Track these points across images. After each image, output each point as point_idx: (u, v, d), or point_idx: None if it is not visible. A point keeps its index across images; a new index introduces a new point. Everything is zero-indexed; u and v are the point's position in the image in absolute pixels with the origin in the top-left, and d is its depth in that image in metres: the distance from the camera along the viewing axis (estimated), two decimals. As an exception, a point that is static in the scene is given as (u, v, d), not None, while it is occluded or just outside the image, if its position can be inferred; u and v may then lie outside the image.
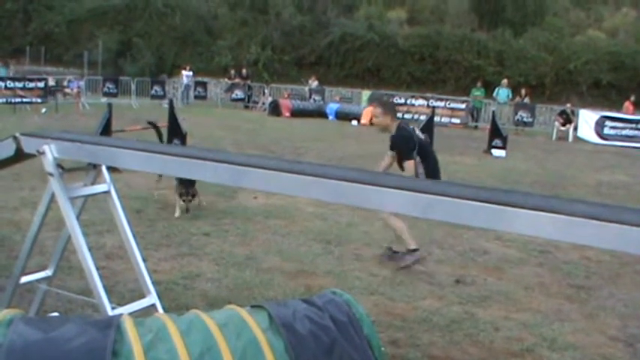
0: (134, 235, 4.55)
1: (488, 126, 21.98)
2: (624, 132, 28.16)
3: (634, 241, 2.91)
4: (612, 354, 5.50)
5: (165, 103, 26.95)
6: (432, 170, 7.52)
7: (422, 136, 7.80)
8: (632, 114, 29.47)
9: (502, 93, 30.98)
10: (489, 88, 32.17)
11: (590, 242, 3.09)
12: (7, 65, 33.10)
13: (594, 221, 2.96)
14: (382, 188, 3.16)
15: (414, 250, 7.62)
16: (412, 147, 7.39)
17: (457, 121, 29.93)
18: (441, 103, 30.15)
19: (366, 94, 33.63)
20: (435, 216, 3.22)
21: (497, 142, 19.98)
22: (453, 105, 30.45)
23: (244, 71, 36.23)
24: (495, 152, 19.63)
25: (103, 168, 4.43)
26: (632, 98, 30.98)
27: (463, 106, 30.49)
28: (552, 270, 7.91)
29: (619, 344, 5.72)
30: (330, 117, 29.82)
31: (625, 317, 6.42)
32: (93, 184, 4.48)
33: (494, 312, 6.29)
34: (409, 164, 7.33)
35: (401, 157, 7.47)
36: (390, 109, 7.81)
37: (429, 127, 19.38)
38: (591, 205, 3.45)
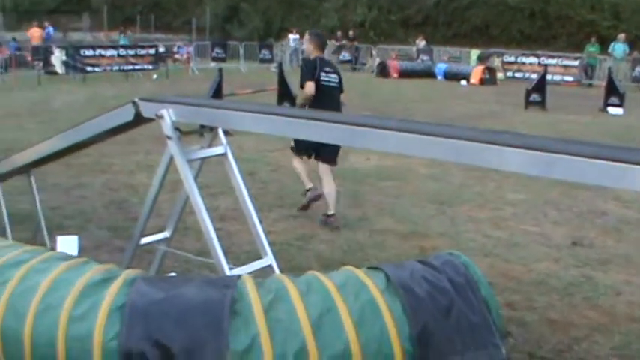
0: (250, 197, 4.58)
1: (604, 83, 21.22)
2: None
3: None
4: None
5: (273, 67, 27.20)
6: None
7: (332, 77, 7.70)
8: None
9: (618, 48, 29.74)
10: (604, 44, 30.92)
11: None
12: (126, 34, 33.93)
13: None
14: (501, 147, 3.08)
15: (308, 190, 7.68)
16: (311, 73, 7.48)
17: (570, 78, 28.97)
18: (553, 61, 29.20)
19: (474, 53, 32.97)
20: (556, 175, 3.12)
21: (613, 99, 19.28)
22: (565, 62, 29.48)
23: (351, 33, 36.12)
24: (612, 110, 18.94)
25: (219, 131, 4.48)
26: None
27: (576, 63, 29.49)
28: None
29: None
30: (439, 77, 29.42)
31: None
32: (210, 146, 4.53)
33: (614, 275, 6.09)
34: (307, 84, 7.44)
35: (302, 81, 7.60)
36: (315, 40, 7.91)
37: (541, 85, 19.02)
38: None
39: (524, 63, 29.70)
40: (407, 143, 3.36)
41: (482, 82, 26.80)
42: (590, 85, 27.91)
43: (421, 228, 7.27)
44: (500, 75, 28.74)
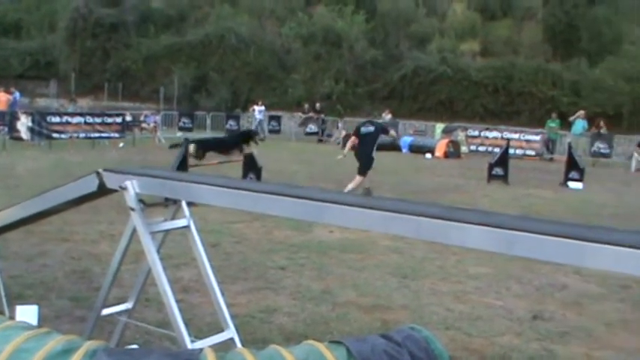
0: (213, 269, 4.59)
1: (564, 158, 21.62)
2: None
3: None
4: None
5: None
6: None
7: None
8: None
9: (578, 124, 30.49)
10: (565, 120, 31.68)
11: None
12: (75, 102, 33.69)
13: None
14: (463, 224, 3.14)
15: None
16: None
17: (532, 153, 29.58)
18: (516, 135, 29.83)
19: (439, 126, 33.52)
20: (517, 252, 3.18)
21: (573, 174, 19.65)
22: (527, 137, 30.13)
23: (318, 105, 36.50)
24: (572, 184, 19.28)
25: (183, 203, 4.50)
26: None
27: (538, 137, 30.13)
28: (635, 305, 7.72)
29: None
30: (404, 150, 29.74)
31: None
32: (173, 218, 4.54)
33: (575, 349, 6.15)
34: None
35: None
36: None
37: (503, 159, 19.31)
38: None
39: (487, 137, 30.24)
40: (368, 219, 3.41)
41: (447, 155, 27.21)
42: (551, 159, 28.44)
43: (384, 301, 7.29)
44: (464, 148, 29.21)
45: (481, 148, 29.38)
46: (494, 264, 8.94)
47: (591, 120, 31.75)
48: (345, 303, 7.15)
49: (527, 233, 3.10)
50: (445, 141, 28.54)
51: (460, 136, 30.64)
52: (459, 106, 39.34)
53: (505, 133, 29.87)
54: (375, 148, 15.39)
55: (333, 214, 3.57)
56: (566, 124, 31.35)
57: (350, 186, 14.58)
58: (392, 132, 17.12)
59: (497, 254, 8.01)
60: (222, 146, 19.00)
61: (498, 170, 19.01)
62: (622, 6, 42.85)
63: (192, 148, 16.26)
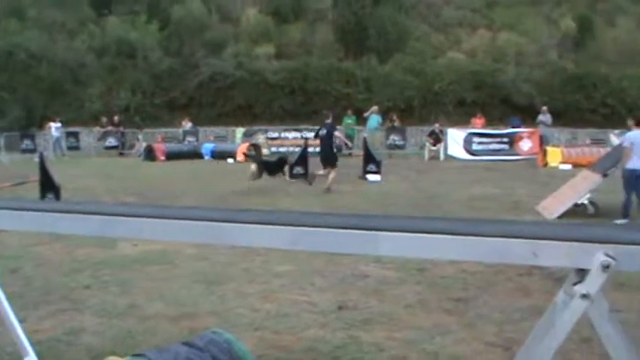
0: (7, 297, 4.44)
1: (362, 152, 22.41)
2: (491, 146, 29.41)
3: (490, 250, 3.09)
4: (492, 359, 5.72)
5: (36, 157, 26.35)
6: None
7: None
8: (482, 128, 31.09)
9: (373, 119, 31.70)
10: (360, 115, 32.88)
11: (450, 256, 3.25)
12: None
13: (452, 236, 3.12)
14: (245, 225, 3.23)
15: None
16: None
17: (332, 149, 30.35)
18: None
19: (240, 131, 33.75)
20: (303, 247, 3.31)
21: (371, 167, 20.43)
22: (327, 134, 30.85)
23: (116, 118, 35.78)
24: (370, 177, 20.03)
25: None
26: (479, 115, 33.54)
27: (336, 134, 30.91)
28: (431, 286, 8.13)
29: (497, 349, 5.94)
30: (206, 157, 29.78)
31: (501, 323, 6.66)
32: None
33: (378, 333, 6.40)
34: None
35: None
36: None
37: (303, 158, 19.73)
38: (450, 221, 3.61)
39: (287, 138, 30.83)
40: (156, 229, 3.44)
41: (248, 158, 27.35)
42: (350, 154, 29.29)
43: (190, 309, 7.28)
44: (265, 151, 29.46)
45: (282, 149, 29.83)
46: (298, 261, 9.13)
47: (385, 114, 33.15)
48: (152, 315, 7.08)
49: (310, 228, 3.23)
50: (246, 145, 28.70)
51: (261, 139, 30.91)
52: (258, 109, 39.62)
53: (304, 132, 30.47)
54: (332, 145, 18.50)
55: (123, 228, 3.58)
56: (362, 120, 32.54)
57: (329, 179, 17.72)
58: (336, 133, 19.66)
59: (301, 251, 8.30)
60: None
61: (299, 169, 19.42)
62: (405, 5, 44.84)
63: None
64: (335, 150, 18.68)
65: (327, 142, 18.17)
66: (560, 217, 12.84)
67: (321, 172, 18.14)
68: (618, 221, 12.20)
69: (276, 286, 8.20)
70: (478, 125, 32.24)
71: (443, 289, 7.99)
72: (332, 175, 17.71)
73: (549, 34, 43.50)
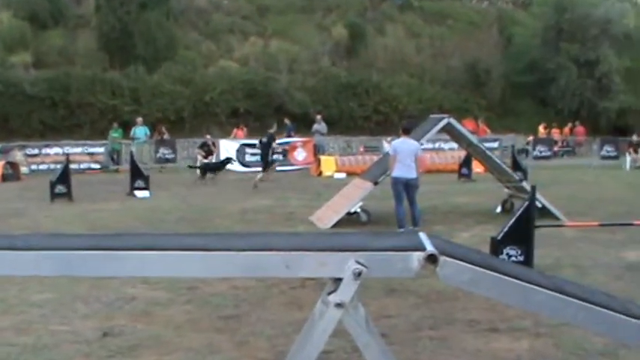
0: None
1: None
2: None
3: (241, 265, 3.00)
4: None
5: None
6: None
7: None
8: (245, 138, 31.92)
9: (139, 131, 30.90)
10: (128, 129, 31.92)
11: (200, 273, 3.12)
12: None
13: (201, 252, 3.00)
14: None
15: None
16: None
17: (97, 166, 29.35)
18: (78, 149, 29.36)
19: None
20: (43, 272, 3.10)
21: (139, 182, 19.81)
22: (91, 150, 29.87)
23: None
24: (139, 193, 19.40)
25: None
26: (241, 126, 34.25)
27: (102, 149, 30.00)
28: (201, 305, 7.91)
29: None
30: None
31: (273, 338, 6.57)
32: None
33: (146, 359, 6.08)
34: None
35: None
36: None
37: (65, 176, 18.71)
38: (201, 236, 3.47)
39: (48, 154, 29.21)
40: None
41: (5, 178, 25.18)
42: (117, 170, 28.43)
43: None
44: (24, 169, 27.62)
45: (43, 167, 28.27)
46: (59, 288, 8.53)
47: (154, 126, 32.44)
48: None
49: (50, 251, 3.00)
50: (1, 163, 26.63)
51: (18, 156, 28.97)
52: (15, 124, 36.97)
53: (67, 148, 29.06)
54: (270, 152, 22.83)
55: None
56: (128, 134, 31.62)
57: (258, 177, 22.14)
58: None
59: (62, 277, 7.73)
60: None
61: (61, 188, 18.31)
62: (173, 10, 43.99)
63: None
64: (270, 157, 23.05)
65: (265, 149, 22.60)
66: (334, 226, 13.01)
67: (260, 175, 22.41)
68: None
69: (35, 316, 7.60)
70: (240, 136, 32.47)
71: (214, 308, 7.79)
72: (259, 175, 22.31)
73: (321, 42, 44.30)
